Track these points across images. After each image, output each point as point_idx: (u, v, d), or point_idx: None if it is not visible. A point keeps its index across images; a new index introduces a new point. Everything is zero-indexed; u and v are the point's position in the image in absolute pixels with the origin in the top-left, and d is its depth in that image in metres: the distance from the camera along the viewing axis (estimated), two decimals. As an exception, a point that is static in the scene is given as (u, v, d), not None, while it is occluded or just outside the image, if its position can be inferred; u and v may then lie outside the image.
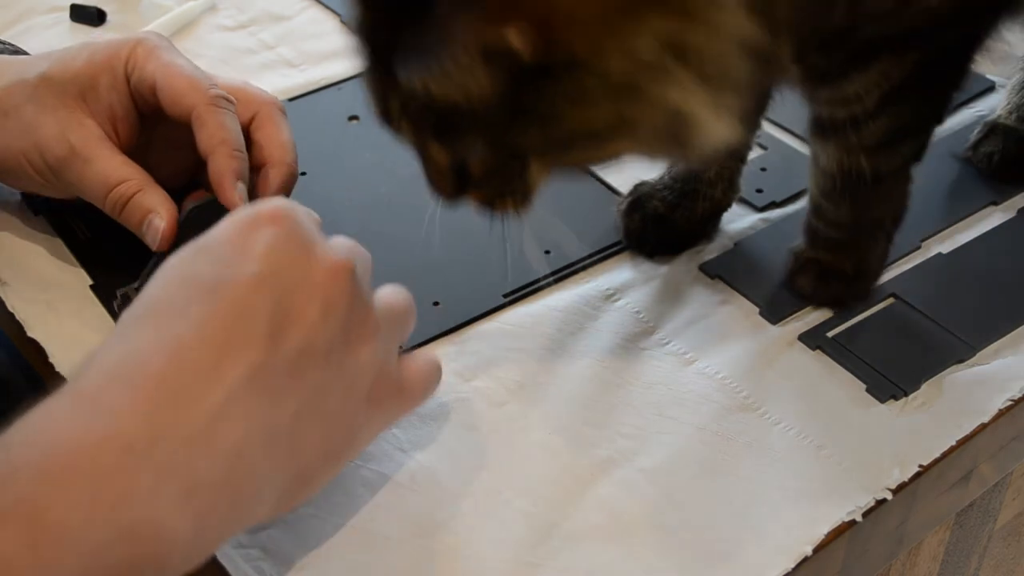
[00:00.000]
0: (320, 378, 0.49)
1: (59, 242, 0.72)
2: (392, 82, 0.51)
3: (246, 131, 0.68)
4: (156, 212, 0.64)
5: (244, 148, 0.66)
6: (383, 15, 0.51)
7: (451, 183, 0.56)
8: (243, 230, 0.50)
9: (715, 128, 0.52)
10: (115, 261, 0.70)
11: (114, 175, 0.65)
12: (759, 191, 0.77)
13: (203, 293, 0.48)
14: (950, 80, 0.64)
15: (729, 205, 0.73)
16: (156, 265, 0.64)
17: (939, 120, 0.66)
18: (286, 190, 0.68)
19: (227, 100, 0.66)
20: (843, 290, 0.68)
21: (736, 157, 0.71)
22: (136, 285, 0.64)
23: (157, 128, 0.69)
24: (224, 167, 0.64)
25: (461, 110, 0.49)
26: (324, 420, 0.50)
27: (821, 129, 0.64)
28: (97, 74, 0.66)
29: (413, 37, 0.49)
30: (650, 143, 0.53)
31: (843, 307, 0.68)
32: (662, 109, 0.50)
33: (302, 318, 0.49)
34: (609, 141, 0.52)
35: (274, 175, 0.68)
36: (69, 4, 0.94)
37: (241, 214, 0.51)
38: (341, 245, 0.53)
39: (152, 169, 0.67)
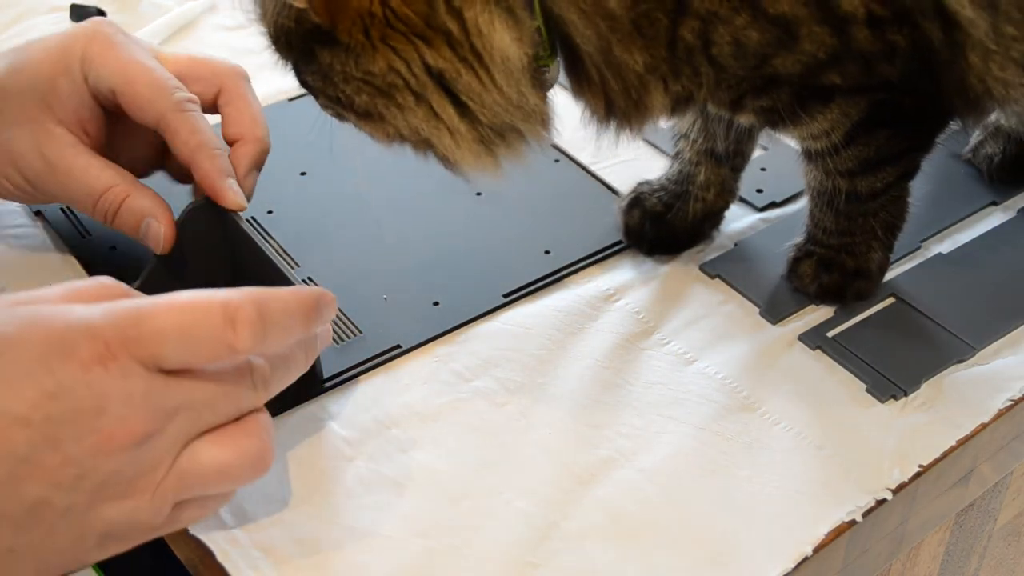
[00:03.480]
0: (51, 524, 0.45)
1: (59, 242, 0.72)
2: None
3: (213, 105, 0.68)
4: (153, 215, 0.63)
5: (221, 144, 0.65)
6: None
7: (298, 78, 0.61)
8: (56, 353, 0.45)
9: (462, 158, 0.58)
10: (115, 261, 0.70)
11: (97, 183, 0.64)
12: (759, 191, 0.77)
13: None
14: (915, 117, 0.63)
15: (725, 208, 0.73)
16: (156, 266, 0.64)
17: (922, 149, 0.65)
18: (258, 165, 0.67)
19: (192, 101, 0.65)
20: (842, 283, 0.68)
21: (728, 166, 0.71)
22: (136, 285, 0.64)
23: (117, 122, 0.67)
24: (212, 169, 0.63)
25: (269, 30, 0.59)
26: (40, 558, 0.46)
27: (803, 154, 0.66)
28: (54, 76, 0.64)
29: None
30: (399, 143, 0.59)
31: (843, 302, 0.68)
32: (408, 123, 0.57)
33: (49, 477, 0.45)
34: (368, 122, 0.58)
35: (245, 152, 0.66)
36: (69, 4, 0.94)
37: (78, 334, 0.46)
38: (157, 398, 0.47)
39: (116, 159, 0.65)
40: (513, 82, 0.56)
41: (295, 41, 0.57)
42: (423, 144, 0.59)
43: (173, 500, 0.49)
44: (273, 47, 0.60)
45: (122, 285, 0.51)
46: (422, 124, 0.57)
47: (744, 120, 0.65)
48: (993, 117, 0.78)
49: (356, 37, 0.55)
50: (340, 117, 0.61)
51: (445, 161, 0.59)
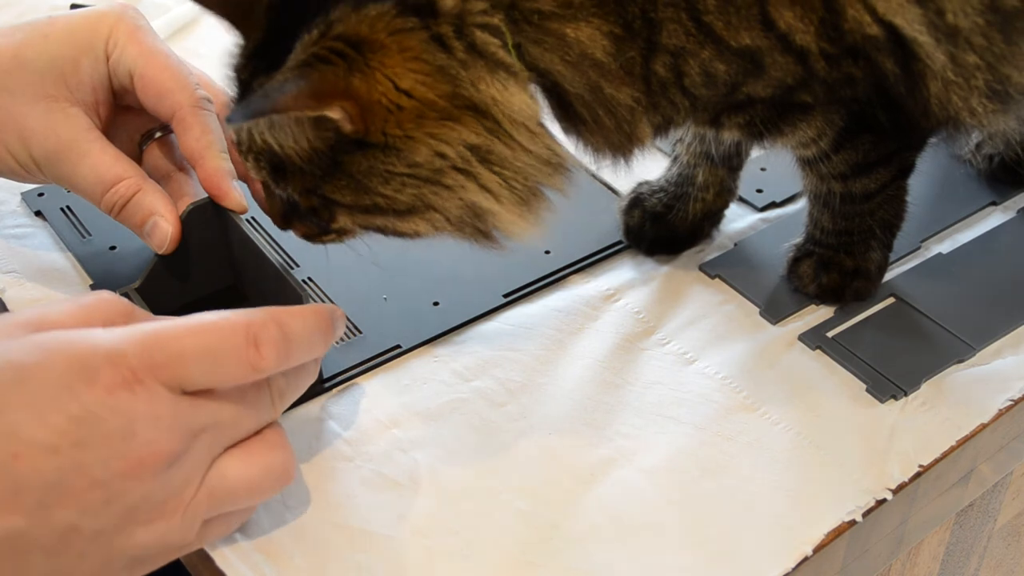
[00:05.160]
0: (80, 550, 0.46)
1: (59, 242, 0.72)
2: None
3: None
4: (160, 215, 0.63)
5: (227, 148, 0.65)
6: (249, 60, 0.55)
7: (280, 214, 0.59)
8: (79, 379, 0.45)
9: (511, 222, 0.57)
10: (115, 261, 0.70)
11: (110, 173, 0.63)
12: (759, 191, 0.77)
13: None
14: (894, 126, 0.63)
15: (725, 207, 0.73)
16: (157, 266, 0.64)
17: (912, 149, 0.65)
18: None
19: (209, 100, 0.65)
20: (841, 282, 0.68)
21: (725, 167, 0.71)
22: (136, 285, 0.64)
23: (116, 114, 0.67)
24: (219, 169, 0.63)
25: (284, 158, 0.54)
26: None
27: (797, 161, 0.66)
28: (78, 55, 0.63)
29: (259, 87, 0.53)
30: (446, 228, 0.57)
31: (842, 302, 0.68)
32: (460, 201, 0.55)
33: (78, 503, 0.45)
34: (409, 219, 0.56)
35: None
36: (69, 4, 0.94)
37: (100, 359, 0.46)
38: (193, 415, 0.48)
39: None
40: (537, 139, 0.56)
41: (318, 160, 0.54)
42: (475, 220, 0.56)
43: (203, 518, 0.49)
44: (277, 183, 0.56)
45: (124, 300, 0.51)
46: (477, 198, 0.55)
47: (728, 136, 0.65)
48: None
49: (392, 133, 0.53)
50: (365, 228, 0.58)
51: (491, 234, 0.57)
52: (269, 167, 0.56)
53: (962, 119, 0.60)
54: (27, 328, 0.47)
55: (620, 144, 0.59)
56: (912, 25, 0.56)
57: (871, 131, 0.62)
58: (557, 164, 0.57)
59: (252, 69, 0.55)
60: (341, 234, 0.59)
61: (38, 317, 0.48)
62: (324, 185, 0.55)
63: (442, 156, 0.54)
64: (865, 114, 0.61)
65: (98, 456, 0.45)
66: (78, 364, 0.45)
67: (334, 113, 0.51)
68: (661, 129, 0.61)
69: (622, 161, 0.60)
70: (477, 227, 0.57)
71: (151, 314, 0.53)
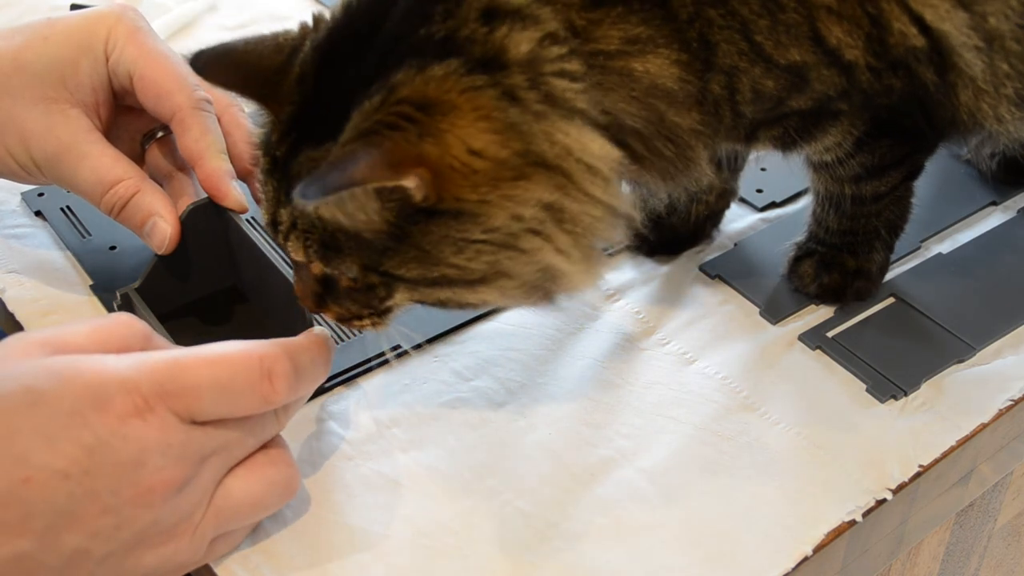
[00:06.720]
0: (90, 571, 0.46)
1: (59, 242, 0.72)
2: (286, 197, 0.52)
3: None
4: (159, 215, 0.63)
5: (226, 148, 0.65)
6: (285, 134, 0.52)
7: (315, 296, 0.55)
8: (91, 407, 0.46)
9: (579, 280, 0.54)
10: (115, 261, 0.70)
11: (109, 174, 0.63)
12: (759, 191, 0.77)
13: (8, 458, 0.44)
14: (915, 126, 0.63)
15: (726, 208, 0.73)
16: (157, 266, 0.64)
17: (924, 151, 0.66)
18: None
19: (208, 101, 0.65)
20: (842, 282, 0.68)
21: (730, 168, 0.71)
22: (136, 285, 0.64)
23: (118, 115, 0.67)
24: (218, 169, 0.63)
25: (347, 234, 0.51)
26: None
27: (810, 165, 0.66)
28: (77, 57, 0.63)
29: (311, 160, 0.50)
30: (516, 294, 0.54)
31: (843, 302, 0.68)
32: (536, 264, 0.52)
33: (88, 528, 0.45)
34: (478, 289, 0.53)
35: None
36: (69, 4, 0.94)
37: (114, 388, 0.46)
38: (197, 445, 0.48)
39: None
40: (610, 186, 0.53)
41: (387, 233, 0.50)
42: (548, 283, 0.53)
43: (211, 537, 0.50)
44: (327, 262, 0.52)
45: (142, 323, 0.52)
46: (553, 260, 0.52)
47: (759, 149, 0.65)
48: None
49: (466, 198, 0.49)
50: (422, 302, 0.54)
51: (555, 295, 0.54)
52: (319, 245, 0.52)
53: (988, 126, 0.61)
54: (45, 348, 0.48)
55: (674, 173, 0.57)
56: (961, 30, 0.56)
57: (890, 135, 0.62)
58: (623, 214, 0.54)
59: (291, 143, 0.52)
60: (385, 313, 0.55)
61: (57, 337, 0.49)
62: (386, 260, 0.51)
63: (519, 219, 0.50)
64: (889, 119, 0.61)
65: (109, 484, 0.45)
66: (91, 392, 0.46)
67: (409, 182, 0.47)
68: (708, 151, 0.60)
69: (670, 189, 0.59)
70: (547, 290, 0.54)
71: (168, 339, 0.55)
